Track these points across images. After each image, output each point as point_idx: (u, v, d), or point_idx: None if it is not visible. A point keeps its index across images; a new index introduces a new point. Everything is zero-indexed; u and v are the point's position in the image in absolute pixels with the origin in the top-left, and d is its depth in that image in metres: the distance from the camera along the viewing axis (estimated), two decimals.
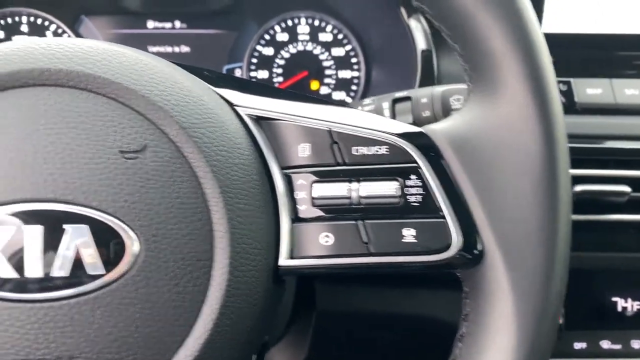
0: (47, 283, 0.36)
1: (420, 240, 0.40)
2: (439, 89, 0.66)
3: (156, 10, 1.02)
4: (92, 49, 0.40)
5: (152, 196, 0.37)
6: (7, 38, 0.98)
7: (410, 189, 0.41)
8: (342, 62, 1.04)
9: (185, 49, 1.03)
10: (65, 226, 0.36)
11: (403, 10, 0.89)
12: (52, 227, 0.36)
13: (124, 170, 0.38)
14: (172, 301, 0.37)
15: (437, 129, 0.42)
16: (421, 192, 0.41)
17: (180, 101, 0.40)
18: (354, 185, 0.41)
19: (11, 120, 0.37)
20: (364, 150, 0.42)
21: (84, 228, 0.36)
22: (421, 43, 0.87)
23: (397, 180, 0.41)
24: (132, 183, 0.37)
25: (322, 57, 1.04)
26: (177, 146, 0.39)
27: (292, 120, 0.42)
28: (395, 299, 0.77)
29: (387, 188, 0.41)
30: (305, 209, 0.41)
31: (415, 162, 0.41)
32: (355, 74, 1.04)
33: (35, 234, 0.36)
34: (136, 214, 0.37)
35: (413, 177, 0.41)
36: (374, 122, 0.43)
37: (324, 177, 0.42)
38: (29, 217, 0.36)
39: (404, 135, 0.41)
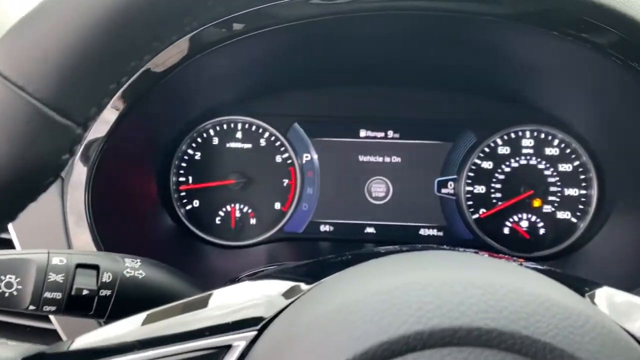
0: None
1: None
2: None
3: (369, 119, 0.97)
4: (517, 298, 0.32)
5: None
6: (221, 144, 0.97)
7: None
8: (569, 179, 0.93)
9: (396, 159, 0.97)
10: None
11: None
12: None
13: None
14: None
15: None
16: None
17: None
18: None
19: None
20: None
21: None
22: None
23: None
24: None
25: (546, 172, 0.94)
26: None
27: None
28: None
29: None
30: None
31: None
32: (584, 191, 0.93)
33: None
34: None
35: None
36: None
37: None
38: None
39: None
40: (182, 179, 0.97)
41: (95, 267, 0.54)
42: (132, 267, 0.56)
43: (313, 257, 0.95)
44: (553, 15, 0.71)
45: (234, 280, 0.75)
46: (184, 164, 0.97)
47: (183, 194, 0.97)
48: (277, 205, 0.97)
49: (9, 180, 0.33)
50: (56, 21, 0.33)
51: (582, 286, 0.43)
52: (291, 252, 0.95)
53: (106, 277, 0.53)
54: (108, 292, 0.53)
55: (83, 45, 0.32)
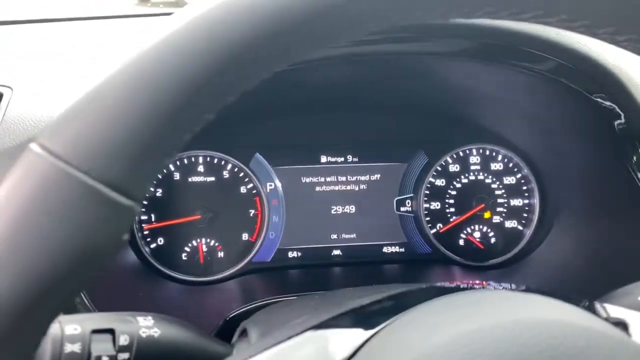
0: None
1: None
2: None
3: (329, 145, 1.00)
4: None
5: None
6: (183, 178, 0.96)
7: None
8: (514, 190, 1.02)
9: (356, 181, 1.01)
10: None
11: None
12: None
13: None
14: None
15: None
16: None
17: None
18: None
19: None
20: None
21: None
22: None
23: None
24: None
25: (493, 186, 1.02)
26: None
27: None
28: None
29: None
30: None
31: None
32: (527, 201, 1.02)
33: None
34: None
35: None
36: None
37: None
38: None
39: None
40: (144, 217, 0.94)
41: (111, 331, 0.52)
42: (147, 326, 0.55)
43: (284, 286, 0.97)
44: (493, 49, 0.78)
45: (227, 321, 0.75)
46: (145, 202, 0.94)
47: (146, 232, 0.94)
48: (245, 236, 0.98)
49: (71, 267, 0.32)
50: (115, 98, 0.32)
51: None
52: (262, 283, 0.95)
53: (123, 340, 0.52)
54: (126, 356, 0.52)
55: (146, 121, 0.32)
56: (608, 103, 0.79)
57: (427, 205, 1.02)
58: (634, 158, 0.78)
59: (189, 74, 0.33)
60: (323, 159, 1.00)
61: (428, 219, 1.02)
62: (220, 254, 0.97)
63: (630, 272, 0.81)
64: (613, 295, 0.60)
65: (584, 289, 0.85)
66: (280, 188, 0.99)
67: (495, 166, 1.02)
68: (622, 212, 0.83)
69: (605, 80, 0.76)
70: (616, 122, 0.79)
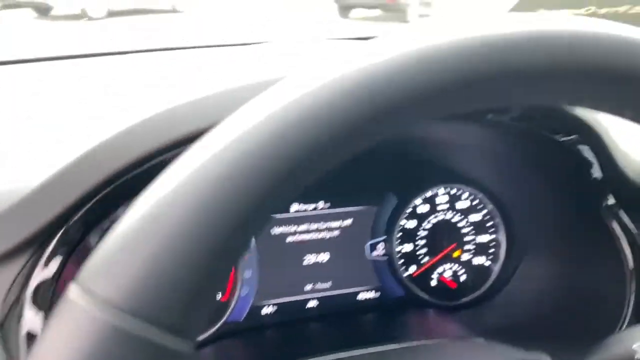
0: None
1: None
2: None
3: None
4: None
5: None
6: None
7: None
8: (480, 227, 1.04)
9: (329, 228, 0.98)
10: None
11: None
12: None
13: None
14: None
15: None
16: None
17: None
18: None
19: None
20: None
21: None
22: None
23: None
24: None
25: (460, 224, 1.03)
26: None
27: None
28: None
29: None
30: None
31: None
32: (494, 236, 1.04)
33: None
34: None
35: None
36: None
37: None
38: None
39: None
40: None
41: None
42: None
43: (262, 348, 0.92)
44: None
45: None
46: None
47: None
48: (218, 296, 0.92)
49: None
50: (167, 245, 0.28)
51: None
52: (238, 349, 0.90)
53: None
54: None
55: (205, 260, 0.29)
56: (577, 145, 0.82)
57: (399, 248, 1.01)
58: (604, 203, 0.81)
59: (246, 201, 0.30)
60: (293, 207, 0.97)
61: (401, 261, 1.01)
62: None
63: (597, 315, 0.84)
64: (605, 344, 0.61)
65: (553, 330, 0.88)
66: (252, 241, 0.94)
67: (461, 205, 1.04)
68: (590, 254, 0.86)
69: (575, 127, 0.79)
70: (585, 166, 0.82)
